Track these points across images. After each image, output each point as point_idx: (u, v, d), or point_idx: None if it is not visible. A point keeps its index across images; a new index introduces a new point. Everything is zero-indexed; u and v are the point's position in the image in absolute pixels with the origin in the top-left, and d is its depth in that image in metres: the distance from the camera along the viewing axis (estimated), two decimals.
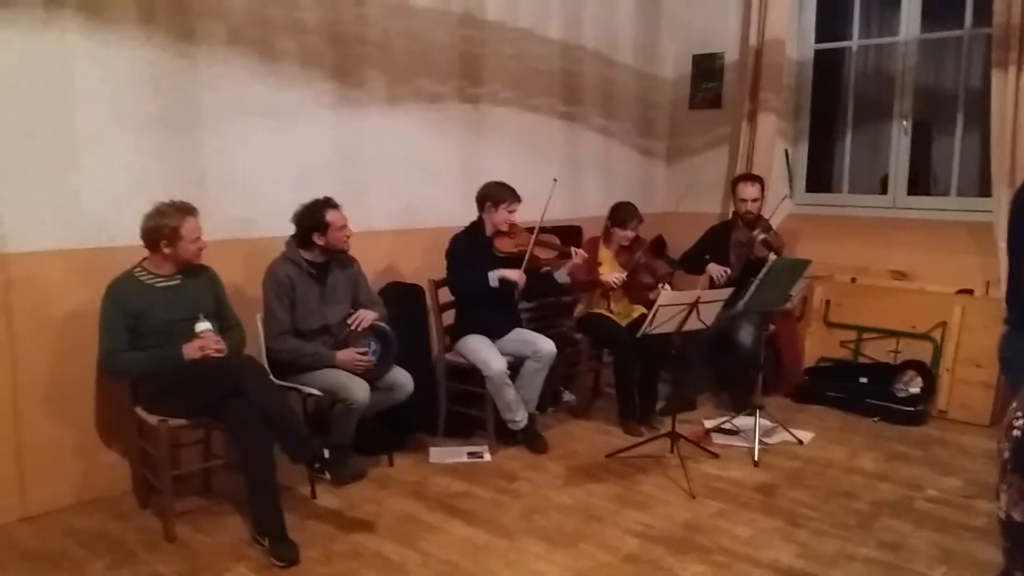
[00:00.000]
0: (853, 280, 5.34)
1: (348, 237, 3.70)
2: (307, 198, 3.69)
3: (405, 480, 3.87)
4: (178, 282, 3.36)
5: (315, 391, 3.57)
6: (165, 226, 3.23)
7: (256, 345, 3.66)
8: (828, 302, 5.36)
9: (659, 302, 3.70)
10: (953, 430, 4.61)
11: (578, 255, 4.33)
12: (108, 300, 3.24)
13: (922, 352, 4.96)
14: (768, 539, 3.30)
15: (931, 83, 5.67)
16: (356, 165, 4.33)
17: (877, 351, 5.16)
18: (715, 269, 4.90)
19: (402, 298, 4.42)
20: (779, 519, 3.49)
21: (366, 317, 3.77)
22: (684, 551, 3.19)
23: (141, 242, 3.28)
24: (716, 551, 3.19)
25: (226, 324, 3.50)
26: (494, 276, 4.14)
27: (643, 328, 3.79)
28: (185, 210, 3.27)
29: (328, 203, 3.66)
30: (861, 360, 5.21)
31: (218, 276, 3.53)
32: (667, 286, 4.70)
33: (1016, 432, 1.70)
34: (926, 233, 5.14)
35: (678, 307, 3.79)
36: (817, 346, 5.39)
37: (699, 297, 3.81)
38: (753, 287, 4.09)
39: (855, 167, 5.75)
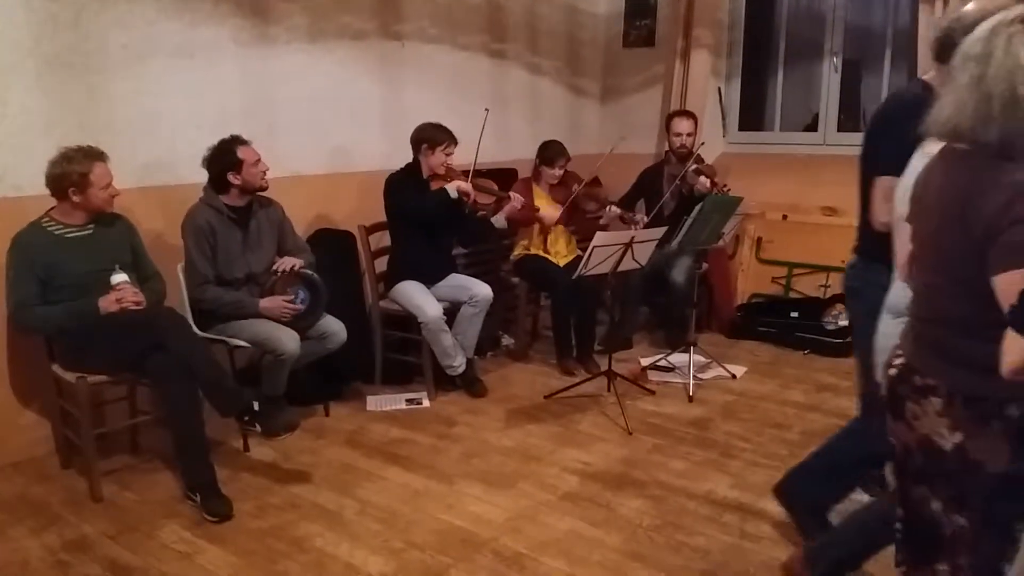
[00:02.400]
0: (784, 217, 5.39)
1: (264, 172, 3.55)
2: None
3: (342, 429, 3.82)
4: (90, 232, 3.19)
5: (242, 343, 3.47)
6: (73, 172, 3.05)
7: (178, 296, 3.52)
8: (760, 239, 5.42)
9: (593, 243, 3.67)
10: None
11: (516, 199, 4.26)
12: (14, 252, 3.06)
13: None
14: (703, 471, 3.36)
15: (860, 20, 5.68)
16: (278, 107, 4.15)
17: (807, 286, 5.25)
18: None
19: (333, 245, 4.31)
20: (713, 452, 3.55)
21: (289, 262, 3.64)
22: (621, 486, 3.22)
23: (47, 191, 3.10)
24: (652, 485, 3.23)
25: (144, 275, 3.35)
26: (451, 187, 4.01)
27: (579, 269, 3.76)
28: (93, 155, 3.09)
29: (237, 140, 3.51)
30: (792, 295, 5.30)
31: (133, 225, 3.37)
32: (615, 208, 4.66)
33: (892, 371, 1.75)
34: (856, 169, 5.18)
35: (613, 247, 3.77)
36: (749, 283, 5.47)
37: (633, 237, 3.80)
38: (686, 225, 4.09)
39: (786, 105, 5.77)
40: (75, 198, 3.09)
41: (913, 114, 2.20)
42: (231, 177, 3.50)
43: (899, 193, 2.08)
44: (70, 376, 3.09)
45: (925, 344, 1.69)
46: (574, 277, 3.84)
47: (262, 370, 3.56)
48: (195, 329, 3.30)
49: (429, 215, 4.08)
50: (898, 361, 1.75)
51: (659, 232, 3.95)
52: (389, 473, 3.37)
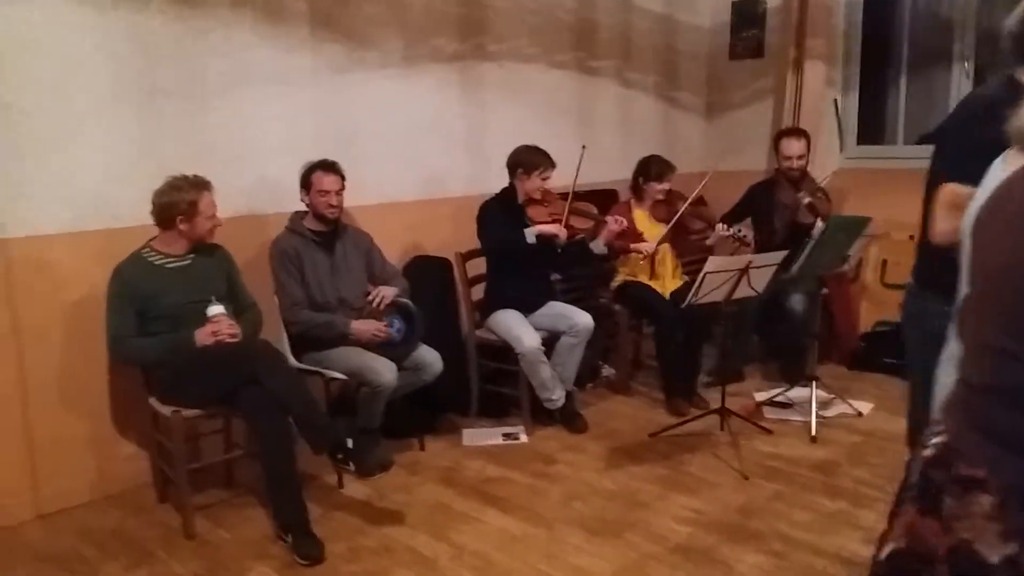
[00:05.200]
0: (912, 238, 4.94)
1: (333, 206, 3.46)
2: None
3: (437, 465, 3.66)
4: (189, 262, 3.16)
5: (338, 374, 3.36)
6: (182, 201, 3.04)
7: (275, 326, 3.46)
8: (885, 262, 5.00)
9: (706, 269, 3.41)
10: None
11: (616, 222, 4.03)
12: (114, 283, 3.05)
13: None
14: (831, 524, 3.03)
15: (993, 22, 5.21)
16: (372, 133, 4.07)
17: None
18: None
19: (428, 272, 4.19)
20: (842, 501, 3.22)
21: (387, 292, 3.56)
22: (739, 540, 2.93)
23: (148, 221, 3.09)
24: (774, 538, 2.93)
25: (241, 306, 3.30)
26: (531, 232, 3.86)
27: (689, 297, 3.50)
28: (201, 184, 3.09)
29: (321, 165, 3.47)
30: None
31: (231, 255, 3.33)
32: (722, 226, 4.36)
33: (929, 451, 1.35)
34: None
35: (727, 274, 3.49)
36: (874, 310, 5.05)
37: (750, 262, 3.51)
38: (807, 249, 3.77)
39: (910, 117, 5.34)
40: (182, 227, 3.07)
41: (991, 114, 1.88)
42: (302, 196, 3.48)
43: (967, 220, 1.67)
44: (166, 409, 3.05)
45: (976, 422, 1.31)
46: (683, 306, 3.57)
47: (358, 402, 3.45)
48: (290, 361, 3.21)
49: (512, 254, 3.93)
50: (937, 440, 1.36)
51: (778, 257, 3.64)
52: (486, 515, 3.18)
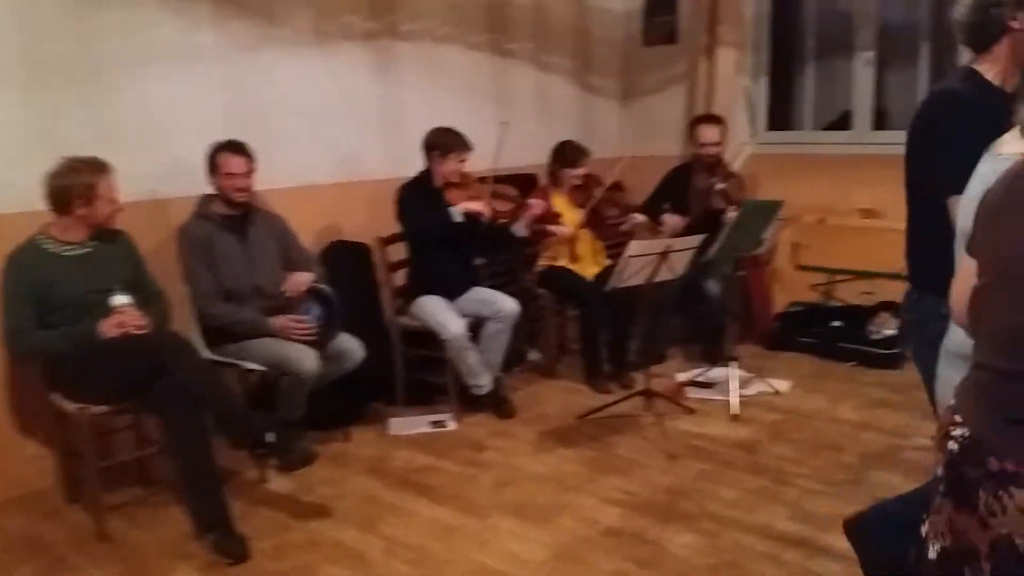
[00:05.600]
0: (821, 221, 5.12)
1: (242, 189, 3.30)
2: None
3: (364, 456, 3.56)
4: (90, 250, 2.96)
5: (257, 366, 3.22)
6: (80, 184, 2.84)
7: (184, 317, 3.28)
8: (796, 244, 5.14)
9: (627, 253, 3.42)
10: None
11: (536, 205, 4.00)
12: (9, 273, 2.84)
13: (896, 292, 4.77)
14: (756, 501, 3.09)
15: (893, 12, 5.42)
16: (283, 114, 3.91)
17: (849, 293, 4.97)
18: (670, 219, 4.61)
19: (347, 258, 4.07)
20: (765, 478, 3.28)
21: (302, 279, 3.42)
22: (669, 519, 2.95)
23: (42, 206, 2.87)
24: (703, 517, 2.96)
25: (146, 295, 3.10)
26: (456, 211, 3.79)
27: (611, 281, 3.51)
28: (100, 166, 2.90)
29: (227, 146, 3.31)
30: (833, 303, 5.02)
31: (134, 241, 3.13)
32: (638, 216, 4.42)
33: (953, 445, 1.35)
34: (894, 169, 4.88)
35: (647, 257, 3.51)
36: (787, 291, 5.19)
37: (669, 246, 3.54)
38: (724, 233, 3.84)
39: (817, 103, 5.50)
40: (80, 211, 2.87)
41: (970, 111, 1.91)
42: (210, 179, 3.32)
43: (962, 210, 1.71)
44: (71, 406, 2.85)
45: (1005, 411, 1.30)
46: (607, 289, 3.57)
47: (279, 394, 3.31)
48: (203, 352, 3.05)
49: (437, 236, 3.85)
50: (959, 432, 1.36)
51: (696, 240, 3.69)
52: (417, 506, 3.11)
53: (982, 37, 1.94)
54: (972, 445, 1.32)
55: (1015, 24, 1.87)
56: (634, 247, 3.44)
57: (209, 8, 3.55)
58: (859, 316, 4.76)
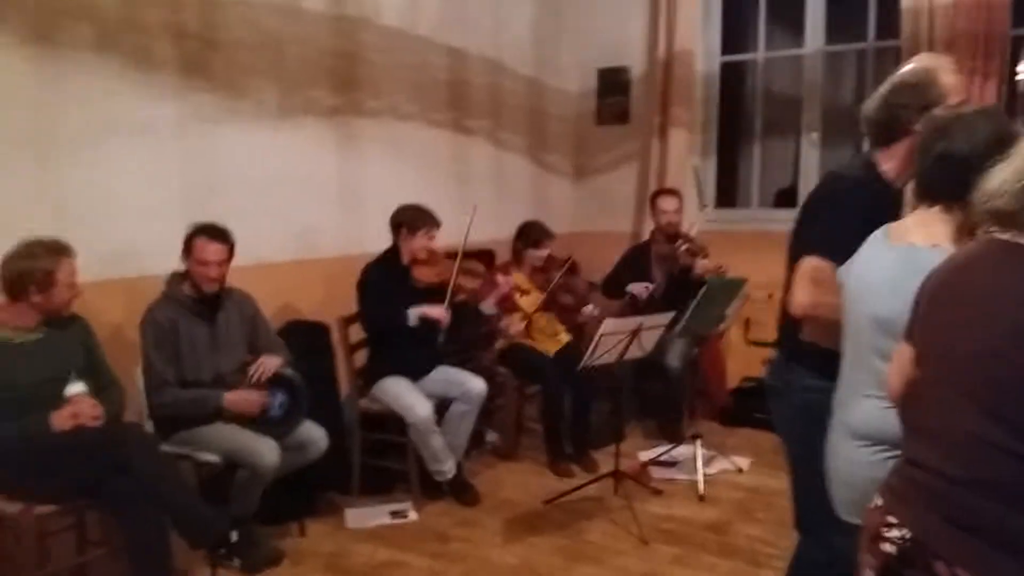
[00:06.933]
0: (771, 296, 5.19)
1: (213, 279, 3.16)
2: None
3: (321, 552, 3.35)
4: (42, 336, 2.77)
5: (212, 457, 3.03)
6: (37, 270, 2.67)
7: (134, 403, 3.09)
8: (747, 320, 5.21)
9: (601, 331, 3.40)
10: None
11: (505, 282, 3.96)
12: None
13: None
14: None
15: (836, 96, 5.67)
16: (242, 188, 3.78)
17: None
18: (636, 287, 4.65)
19: (303, 338, 3.90)
20: (739, 559, 3.24)
21: (269, 364, 3.27)
22: None
23: None
24: None
25: (101, 383, 2.90)
26: (413, 314, 3.71)
27: (584, 360, 3.46)
28: (60, 250, 2.73)
29: (204, 230, 3.15)
30: None
31: (90, 326, 2.95)
32: (593, 308, 4.45)
33: (889, 548, 1.31)
34: None
35: (619, 336, 3.49)
36: (739, 366, 5.23)
37: (641, 324, 3.53)
38: (690, 310, 3.86)
39: (764, 182, 5.67)
40: (36, 298, 2.69)
41: (855, 195, 2.01)
42: (182, 259, 3.16)
43: (866, 299, 1.73)
44: (12, 507, 2.60)
45: (955, 516, 1.24)
46: (579, 368, 3.52)
47: (234, 487, 3.12)
48: (162, 447, 2.86)
49: (377, 331, 3.83)
50: (896, 533, 1.30)
51: (667, 318, 3.69)
52: None
53: (885, 134, 2.03)
54: (914, 548, 1.27)
55: (917, 127, 1.93)
56: (607, 326, 3.41)
57: (171, 80, 3.45)
58: None
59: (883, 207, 1.94)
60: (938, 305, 1.38)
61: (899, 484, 1.37)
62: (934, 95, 1.95)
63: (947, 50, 4.44)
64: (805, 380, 2.07)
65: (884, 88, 2.03)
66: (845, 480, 1.80)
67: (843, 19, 5.17)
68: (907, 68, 2.03)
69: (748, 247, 5.29)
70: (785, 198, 5.84)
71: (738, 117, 5.84)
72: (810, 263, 1.98)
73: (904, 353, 1.47)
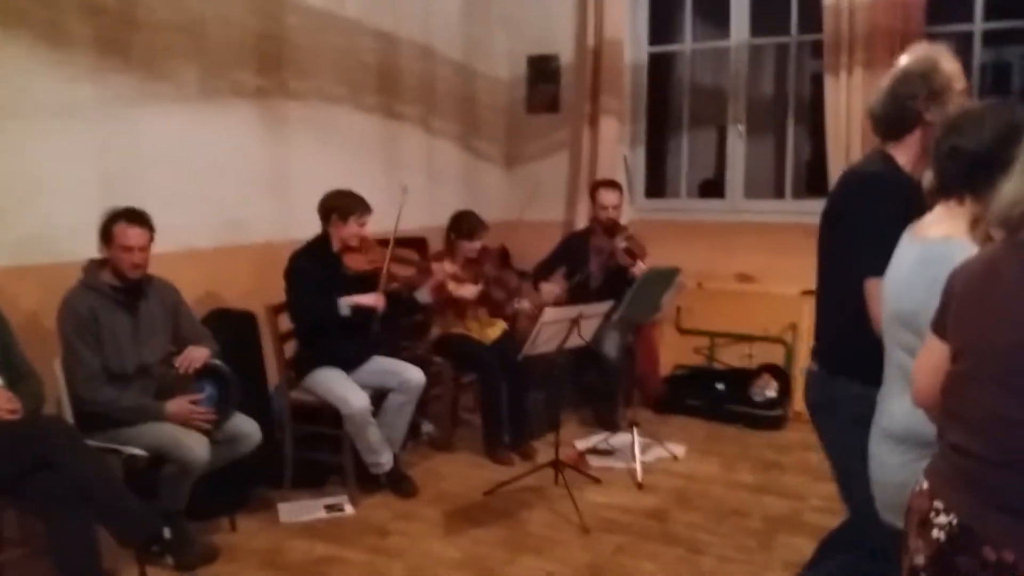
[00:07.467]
0: (700, 285, 5.29)
1: (138, 265, 2.99)
2: None
3: (255, 548, 3.22)
4: None
5: (139, 451, 2.87)
6: None
7: (55, 399, 2.89)
8: (679, 308, 5.27)
9: (543, 319, 3.36)
10: (812, 432, 4.49)
11: (439, 270, 3.88)
12: None
13: (775, 354, 4.99)
14: (677, 572, 3.06)
15: (761, 88, 5.79)
16: (164, 173, 3.59)
17: (731, 356, 5.14)
18: (547, 288, 4.64)
19: (228, 327, 3.72)
20: (680, 547, 3.26)
21: (197, 355, 3.12)
22: None
23: None
24: None
25: (17, 375, 2.71)
26: (345, 304, 3.58)
27: (525, 349, 3.42)
28: None
29: (126, 215, 2.98)
30: (716, 366, 5.17)
31: (3, 315, 2.74)
32: (524, 302, 4.44)
33: (938, 534, 1.34)
34: (766, 236, 5.19)
35: (560, 325, 3.46)
36: (672, 354, 5.30)
37: (581, 313, 3.51)
38: (627, 298, 3.86)
39: (691, 172, 5.74)
40: None
41: (890, 194, 1.98)
42: (101, 250, 2.98)
43: (889, 295, 1.77)
44: None
45: (1000, 501, 1.29)
46: (519, 358, 3.48)
47: (161, 482, 2.97)
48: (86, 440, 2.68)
49: (306, 322, 3.70)
50: (944, 519, 1.34)
51: (605, 307, 3.69)
52: None
53: (896, 127, 2.03)
54: (963, 534, 1.30)
55: (928, 116, 1.97)
56: (548, 314, 3.38)
57: (89, 60, 3.24)
58: (742, 379, 4.91)
59: (912, 198, 1.91)
60: (971, 302, 1.41)
61: (944, 468, 1.40)
62: (939, 82, 1.97)
63: (866, 45, 4.63)
64: (854, 390, 2.00)
65: (888, 82, 2.03)
66: (879, 482, 1.81)
67: (767, 12, 5.28)
68: (908, 59, 2.03)
69: (677, 237, 5.37)
70: (710, 189, 5.95)
71: (665, 108, 5.90)
72: (874, 286, 1.91)
73: (934, 349, 1.48)
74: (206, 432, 2.95)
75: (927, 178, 1.77)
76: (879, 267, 1.85)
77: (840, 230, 2.09)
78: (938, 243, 1.63)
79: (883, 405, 1.83)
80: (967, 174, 1.58)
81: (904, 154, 2.04)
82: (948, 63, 2.00)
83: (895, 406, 1.75)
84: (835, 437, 2.17)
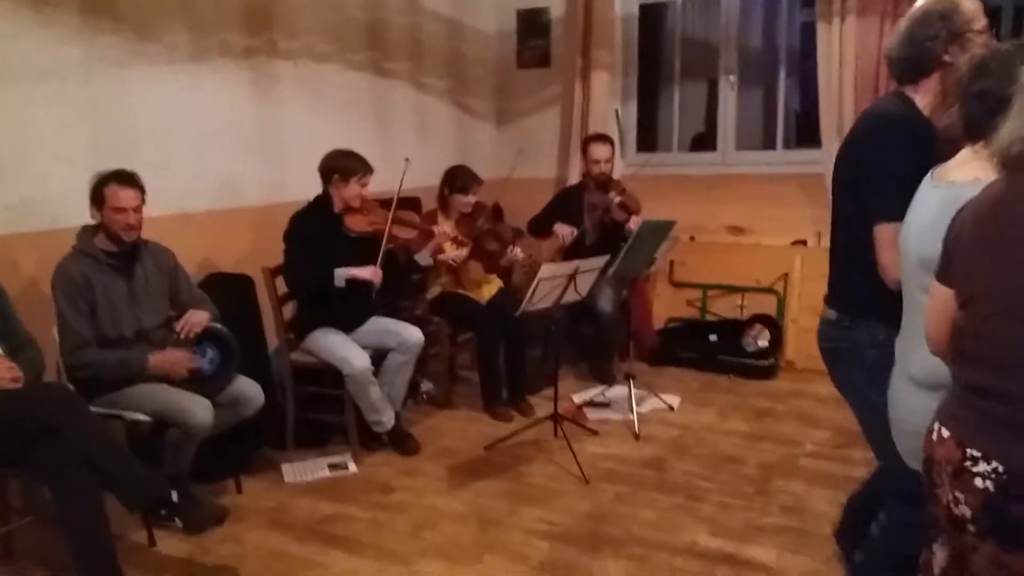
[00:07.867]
0: (692, 238, 5.31)
1: (131, 226, 2.96)
2: None
3: (261, 508, 3.27)
4: None
5: (142, 416, 2.89)
6: None
7: (55, 365, 2.91)
8: (672, 262, 5.30)
9: (540, 275, 3.38)
10: (804, 380, 4.66)
11: (440, 231, 3.88)
12: None
13: (766, 305, 5.04)
14: (676, 519, 3.13)
15: (752, 39, 5.73)
16: (156, 136, 3.57)
17: (723, 307, 5.18)
18: (561, 229, 4.65)
19: (226, 291, 3.74)
20: (679, 495, 3.33)
21: (197, 319, 3.12)
22: (598, 547, 2.92)
23: None
24: (630, 542, 2.95)
25: (16, 343, 2.72)
26: (341, 276, 3.58)
27: (523, 306, 3.45)
28: None
29: (116, 176, 2.95)
30: (709, 318, 5.21)
31: (1, 285, 2.73)
32: (517, 250, 4.43)
33: (983, 483, 1.32)
34: (757, 188, 5.20)
35: (557, 280, 3.48)
36: (665, 307, 5.34)
37: (578, 268, 3.53)
38: (623, 252, 3.88)
39: (683, 125, 5.71)
40: None
41: (910, 135, 1.96)
42: (93, 214, 2.95)
43: (912, 240, 1.75)
44: None
45: None
46: (517, 314, 3.50)
47: (165, 447, 3.00)
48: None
49: (302, 289, 3.70)
50: (986, 467, 1.32)
51: (602, 261, 3.70)
52: (330, 558, 2.89)
53: (915, 69, 2.00)
54: (1013, 481, 1.29)
55: (947, 58, 1.94)
56: (545, 270, 3.40)
57: (75, 21, 3.19)
58: (734, 329, 4.96)
59: (931, 141, 1.90)
60: (982, 242, 1.40)
61: (966, 413, 1.38)
62: (960, 22, 1.93)
63: None
64: (877, 336, 1.99)
65: (906, 23, 1.99)
66: (909, 430, 1.76)
67: None
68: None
69: (669, 190, 5.37)
70: (702, 142, 5.93)
71: (656, 61, 5.85)
72: (888, 232, 1.90)
73: (939, 293, 1.48)
74: (205, 392, 2.97)
75: (943, 121, 1.76)
76: (895, 212, 1.84)
77: (857, 174, 2.05)
78: (967, 185, 1.58)
79: (905, 351, 1.82)
80: (995, 116, 1.53)
81: (923, 97, 2.01)
82: (968, 3, 1.96)
83: (917, 351, 1.72)
84: (857, 384, 2.14)
